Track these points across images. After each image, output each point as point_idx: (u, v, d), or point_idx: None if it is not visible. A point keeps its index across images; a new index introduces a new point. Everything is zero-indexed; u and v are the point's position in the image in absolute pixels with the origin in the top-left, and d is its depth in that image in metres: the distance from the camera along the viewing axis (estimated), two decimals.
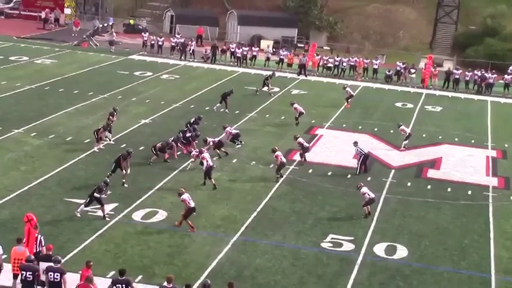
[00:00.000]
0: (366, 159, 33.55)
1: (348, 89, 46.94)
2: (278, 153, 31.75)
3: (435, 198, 30.69)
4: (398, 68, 55.92)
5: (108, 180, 27.12)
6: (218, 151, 33.82)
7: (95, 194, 25.84)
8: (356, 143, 34.11)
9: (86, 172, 30.58)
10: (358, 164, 33.43)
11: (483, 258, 25.22)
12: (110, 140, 34.54)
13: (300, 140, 34.50)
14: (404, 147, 37.61)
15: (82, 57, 55.96)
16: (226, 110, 41.88)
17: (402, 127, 38.27)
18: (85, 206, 25.95)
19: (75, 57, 56.02)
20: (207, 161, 30.13)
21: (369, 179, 32.56)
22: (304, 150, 34.32)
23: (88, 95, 43.38)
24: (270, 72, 50.88)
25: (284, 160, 31.81)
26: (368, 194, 28.12)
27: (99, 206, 25.97)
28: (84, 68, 51.74)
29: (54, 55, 55.88)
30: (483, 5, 70.19)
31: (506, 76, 55.09)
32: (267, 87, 48.09)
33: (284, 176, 31.88)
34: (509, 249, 26.22)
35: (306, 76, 55.16)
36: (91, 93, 43.78)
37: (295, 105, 40.86)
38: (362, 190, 28.41)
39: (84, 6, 73.59)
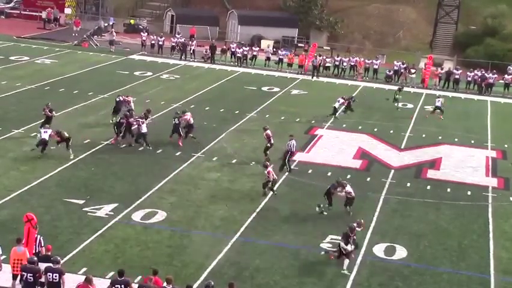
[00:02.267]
0: (291, 157, 33.04)
1: (441, 99, 45.60)
2: (270, 169, 29.61)
3: (434, 199, 30.70)
4: (395, 68, 56.00)
5: (354, 225, 24.22)
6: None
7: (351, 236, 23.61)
8: (291, 136, 33.49)
9: (86, 172, 30.59)
10: (286, 161, 32.64)
11: (482, 259, 25.23)
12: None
13: (269, 132, 33.77)
14: None
15: (82, 57, 56.00)
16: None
17: None
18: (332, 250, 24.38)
19: (75, 57, 56.05)
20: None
21: (368, 179, 32.62)
22: (270, 145, 33.70)
23: (88, 95, 43.41)
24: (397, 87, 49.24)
25: (276, 176, 29.87)
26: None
27: (98, 207, 26.04)
28: (84, 68, 51.78)
29: (55, 55, 55.93)
30: (483, 5, 70.18)
31: (506, 76, 55.11)
32: (396, 102, 46.44)
33: (284, 176, 31.92)
34: (508, 249, 26.23)
35: (318, 78, 54.97)
36: (91, 93, 43.80)
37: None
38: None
39: (84, 6, 73.63)
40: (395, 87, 48.15)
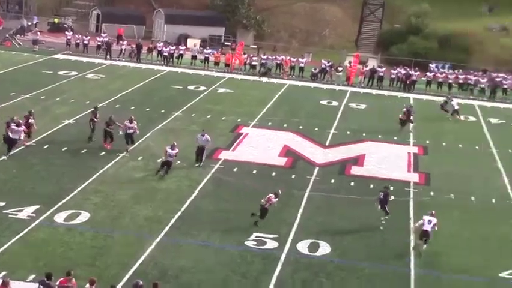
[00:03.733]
0: (202, 151, 33.09)
1: (452, 102, 47.00)
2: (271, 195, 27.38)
3: (358, 195, 31.12)
4: (323, 66, 56.66)
5: None
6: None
7: None
8: (203, 131, 33.44)
9: (6, 174, 29.91)
10: (197, 155, 32.91)
11: (403, 253, 25.71)
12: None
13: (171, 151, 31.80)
14: None
15: (5, 57, 54.89)
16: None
17: None
18: None
19: None
20: None
21: (293, 176, 32.88)
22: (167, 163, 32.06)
23: (10, 95, 42.53)
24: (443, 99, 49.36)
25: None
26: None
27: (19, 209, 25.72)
28: (7, 68, 50.77)
29: None
30: (407, 4, 71.52)
31: (428, 73, 56.38)
32: (456, 115, 46.67)
33: (209, 175, 31.95)
34: (427, 243, 26.75)
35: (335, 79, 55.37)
36: (13, 93, 42.92)
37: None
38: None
39: (7, 5, 72.18)
40: (321, 85, 48.02)
